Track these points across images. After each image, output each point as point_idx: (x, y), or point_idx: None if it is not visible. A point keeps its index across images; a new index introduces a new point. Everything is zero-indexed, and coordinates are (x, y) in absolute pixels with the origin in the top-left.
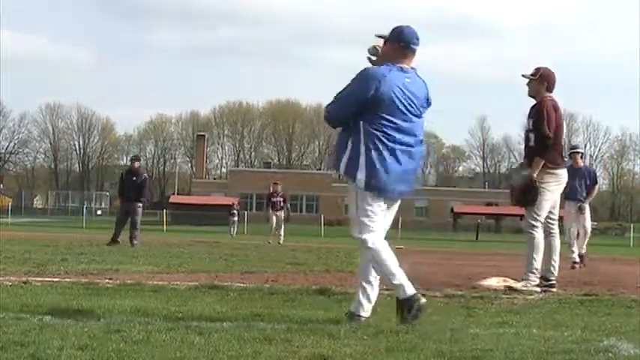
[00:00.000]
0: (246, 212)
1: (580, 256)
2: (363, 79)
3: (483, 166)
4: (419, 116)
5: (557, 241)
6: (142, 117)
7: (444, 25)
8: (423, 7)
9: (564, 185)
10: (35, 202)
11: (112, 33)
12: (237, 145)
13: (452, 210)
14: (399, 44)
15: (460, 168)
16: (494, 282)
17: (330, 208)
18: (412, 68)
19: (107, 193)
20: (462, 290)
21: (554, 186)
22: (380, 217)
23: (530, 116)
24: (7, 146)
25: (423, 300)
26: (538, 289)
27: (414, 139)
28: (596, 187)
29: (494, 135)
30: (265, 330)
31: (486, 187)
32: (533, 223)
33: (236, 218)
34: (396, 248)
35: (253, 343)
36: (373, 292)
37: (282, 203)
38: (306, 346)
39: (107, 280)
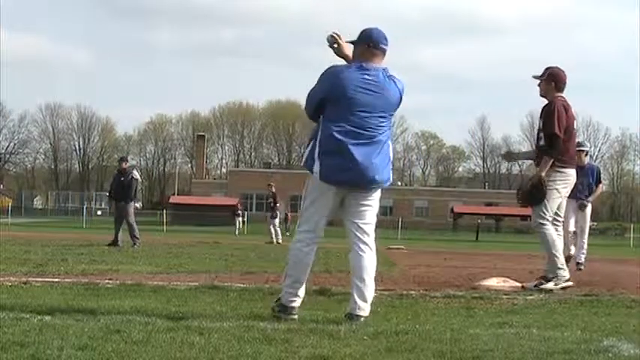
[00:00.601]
0: (246, 212)
1: (567, 257)
2: (323, 78)
3: (483, 166)
4: (378, 114)
5: (561, 242)
6: (142, 117)
7: (444, 24)
8: (422, 7)
9: (572, 185)
10: (35, 203)
11: (112, 33)
12: (237, 145)
13: (452, 210)
14: (367, 45)
15: (460, 168)
16: (495, 282)
17: None
18: (384, 68)
19: (107, 193)
20: (462, 290)
21: (561, 185)
22: (319, 210)
23: (540, 116)
24: (7, 146)
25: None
26: (570, 283)
27: (371, 135)
28: (600, 186)
29: (494, 135)
30: (265, 330)
31: (486, 187)
32: (541, 220)
33: (241, 218)
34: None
35: (253, 343)
36: (367, 290)
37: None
38: (306, 346)
39: (107, 280)
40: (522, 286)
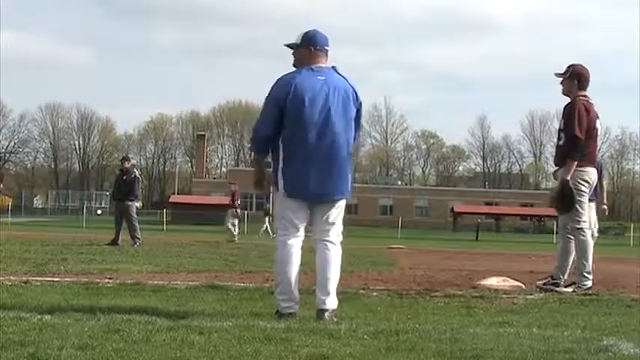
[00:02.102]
0: (246, 212)
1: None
2: (276, 89)
3: (483, 166)
4: (335, 116)
5: (573, 246)
6: (142, 117)
7: (444, 24)
8: (421, 7)
9: (594, 185)
10: (35, 202)
11: (112, 33)
12: (237, 145)
13: (452, 210)
14: (312, 47)
15: (460, 168)
16: (495, 282)
17: None
18: (333, 67)
19: (107, 193)
20: (461, 290)
21: (585, 185)
22: (296, 222)
23: (562, 115)
24: (7, 146)
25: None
26: (591, 292)
27: (332, 139)
28: (605, 183)
29: (494, 135)
30: (265, 330)
31: (486, 187)
32: (578, 225)
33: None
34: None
35: (253, 342)
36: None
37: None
38: (306, 346)
39: (107, 280)
40: (537, 286)
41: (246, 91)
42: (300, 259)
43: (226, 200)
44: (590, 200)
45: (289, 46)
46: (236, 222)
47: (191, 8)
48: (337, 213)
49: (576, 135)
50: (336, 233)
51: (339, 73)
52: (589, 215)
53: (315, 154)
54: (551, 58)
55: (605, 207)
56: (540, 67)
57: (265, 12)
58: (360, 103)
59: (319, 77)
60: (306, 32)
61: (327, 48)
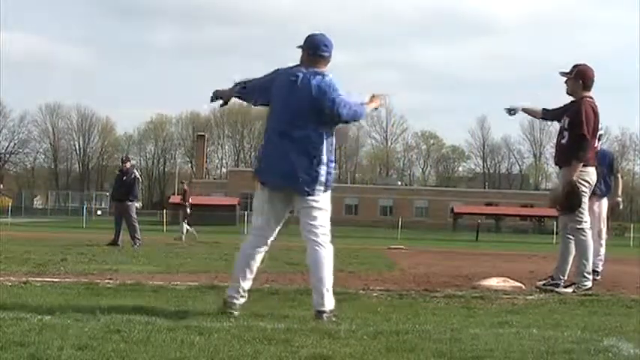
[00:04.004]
0: (245, 212)
1: (594, 270)
2: (269, 73)
3: (483, 166)
4: (301, 115)
5: (573, 246)
6: (142, 117)
7: (444, 24)
8: (421, 7)
9: (594, 184)
10: (35, 202)
11: (112, 33)
12: (237, 145)
13: (452, 210)
14: (308, 51)
15: (460, 168)
16: (495, 282)
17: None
18: (319, 72)
19: (107, 193)
20: (462, 290)
21: (586, 185)
22: (262, 211)
23: (566, 114)
24: (7, 146)
25: (232, 312)
26: (590, 292)
27: (292, 136)
28: (619, 176)
29: (494, 135)
30: (265, 330)
31: (486, 187)
32: (579, 225)
33: None
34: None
35: (253, 343)
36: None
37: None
38: (306, 346)
39: (107, 280)
40: (537, 286)
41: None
42: (254, 256)
43: (226, 201)
44: (600, 196)
45: (300, 46)
46: (185, 221)
47: (191, 8)
48: (316, 212)
49: (585, 136)
50: (322, 233)
51: (313, 76)
52: (599, 212)
53: (275, 145)
54: (551, 58)
55: (619, 199)
56: (540, 67)
57: (265, 12)
58: (329, 107)
59: (291, 78)
60: (308, 35)
61: (321, 53)
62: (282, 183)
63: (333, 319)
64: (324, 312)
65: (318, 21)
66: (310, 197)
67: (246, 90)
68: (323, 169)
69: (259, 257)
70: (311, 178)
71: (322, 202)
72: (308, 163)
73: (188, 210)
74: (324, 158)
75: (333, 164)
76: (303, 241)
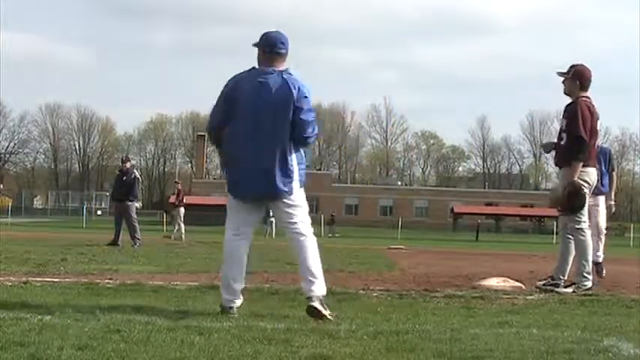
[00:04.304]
0: None
1: (595, 264)
2: (221, 92)
3: (483, 166)
4: (273, 116)
5: (573, 246)
6: (142, 117)
7: (444, 24)
8: (420, 7)
9: (594, 184)
10: (35, 202)
11: (112, 33)
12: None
13: (452, 210)
14: (264, 49)
15: (460, 168)
16: (495, 282)
17: (330, 208)
18: (283, 70)
19: (107, 193)
20: (462, 290)
21: (586, 185)
22: (237, 218)
23: (564, 116)
24: (7, 146)
25: (233, 314)
26: (591, 292)
27: (265, 139)
28: (614, 174)
29: (494, 135)
30: (265, 330)
31: (486, 187)
32: (578, 225)
33: (273, 218)
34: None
35: (253, 343)
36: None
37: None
38: (306, 346)
39: (107, 280)
40: (537, 286)
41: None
42: (240, 257)
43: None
44: (599, 194)
45: (255, 44)
46: (180, 221)
47: (191, 8)
48: (295, 210)
49: (582, 136)
50: (303, 226)
51: (284, 77)
52: (599, 209)
53: (244, 154)
54: (551, 58)
55: (612, 203)
56: (540, 67)
57: (265, 12)
58: (299, 106)
59: (259, 79)
60: (263, 33)
61: (278, 50)
62: (263, 194)
63: (324, 306)
64: (314, 296)
65: (318, 21)
66: (288, 197)
67: (219, 136)
68: (297, 167)
69: (245, 258)
70: (289, 178)
71: (299, 199)
72: (285, 164)
73: (182, 210)
74: (299, 155)
75: (304, 160)
76: (287, 238)
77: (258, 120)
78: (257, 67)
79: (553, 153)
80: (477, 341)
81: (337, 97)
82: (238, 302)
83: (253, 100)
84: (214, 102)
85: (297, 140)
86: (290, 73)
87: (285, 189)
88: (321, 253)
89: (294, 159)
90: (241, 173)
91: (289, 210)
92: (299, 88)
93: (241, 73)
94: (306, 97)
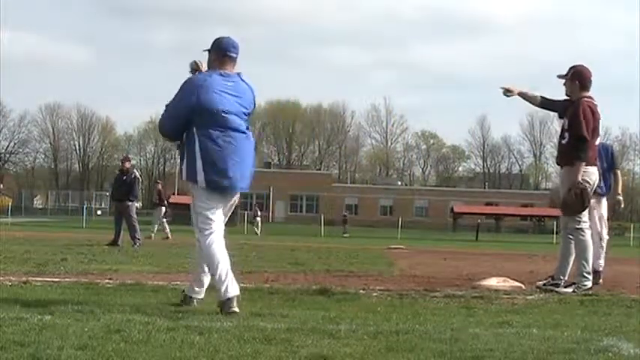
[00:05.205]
0: (245, 212)
1: (595, 271)
2: (185, 88)
3: (483, 166)
4: (242, 116)
5: (573, 246)
6: (141, 117)
7: (443, 24)
8: (420, 7)
9: (596, 184)
10: (35, 202)
11: (112, 33)
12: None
13: (452, 210)
14: (217, 53)
15: (460, 168)
16: (495, 282)
17: (330, 208)
18: (238, 73)
19: (107, 193)
20: (462, 290)
21: (588, 186)
22: (218, 215)
23: (566, 115)
24: (7, 146)
25: (236, 309)
26: (591, 292)
27: (240, 137)
28: (618, 173)
29: (494, 135)
30: (265, 330)
31: (486, 187)
32: (578, 225)
33: (259, 218)
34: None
35: (253, 343)
36: (206, 278)
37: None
38: (306, 346)
39: (107, 280)
40: (537, 286)
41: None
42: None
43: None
44: (600, 195)
45: (207, 50)
46: (164, 220)
47: (190, 8)
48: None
49: (584, 136)
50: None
51: (243, 80)
52: (599, 211)
53: (225, 151)
54: (551, 58)
55: (620, 197)
56: (540, 67)
57: (265, 12)
58: (254, 107)
59: (228, 83)
60: (217, 38)
61: (230, 54)
62: (240, 187)
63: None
64: (232, 299)
65: (318, 21)
66: (236, 195)
67: (176, 138)
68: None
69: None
70: (251, 175)
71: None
72: (251, 162)
73: (164, 209)
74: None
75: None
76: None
77: (236, 118)
78: (220, 71)
79: (555, 152)
80: (477, 341)
81: (337, 97)
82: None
83: (228, 102)
84: (172, 104)
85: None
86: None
87: (248, 185)
88: (319, 253)
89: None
90: (224, 169)
91: (230, 209)
92: (254, 93)
93: (201, 75)
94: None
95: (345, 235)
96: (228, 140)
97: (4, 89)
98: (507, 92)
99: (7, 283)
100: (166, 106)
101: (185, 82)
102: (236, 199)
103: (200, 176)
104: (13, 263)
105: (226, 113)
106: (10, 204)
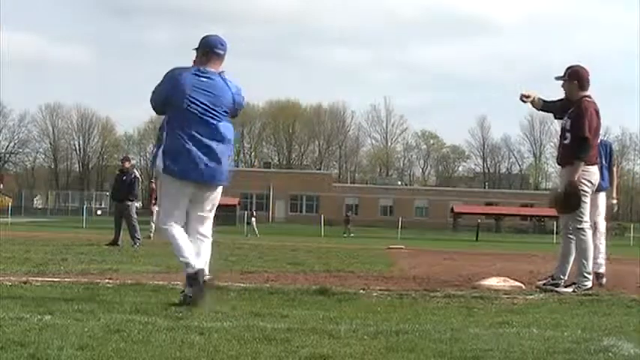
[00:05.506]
0: (245, 212)
1: (596, 274)
2: (164, 79)
3: (483, 166)
4: (213, 112)
5: (574, 246)
6: (142, 117)
7: (443, 24)
8: (421, 7)
9: (596, 183)
10: (35, 202)
11: (112, 33)
12: (236, 146)
13: (452, 210)
14: (203, 51)
15: (460, 168)
16: (495, 282)
17: (330, 208)
18: (220, 72)
19: (107, 193)
20: (462, 290)
21: (589, 185)
22: (180, 203)
23: (568, 116)
24: (7, 146)
25: (208, 276)
26: (590, 292)
27: (210, 133)
28: (615, 170)
29: (494, 135)
30: (265, 330)
31: (486, 187)
32: (579, 225)
33: (254, 219)
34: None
35: (253, 343)
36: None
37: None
38: (306, 346)
39: (107, 280)
40: (537, 286)
41: (247, 92)
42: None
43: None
44: (601, 190)
45: (195, 48)
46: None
47: (191, 8)
48: (215, 201)
49: (587, 137)
50: (209, 223)
51: (223, 78)
52: (598, 205)
53: (197, 143)
54: (551, 58)
55: (615, 202)
56: (540, 67)
57: (264, 12)
58: (239, 103)
59: (202, 79)
60: (204, 36)
61: (217, 51)
62: (213, 179)
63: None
64: (198, 271)
65: (318, 21)
66: (217, 191)
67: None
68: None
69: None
70: (229, 169)
71: (219, 195)
72: (228, 156)
73: (156, 208)
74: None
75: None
76: (191, 229)
77: (211, 113)
78: (199, 67)
79: (555, 153)
80: (477, 341)
81: (337, 97)
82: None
83: (202, 95)
84: (159, 84)
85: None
86: (224, 76)
87: (226, 179)
88: (319, 253)
89: (230, 154)
90: (190, 160)
91: (207, 202)
92: (234, 92)
93: (180, 69)
94: (236, 86)
95: (346, 236)
96: (191, 134)
97: (4, 89)
98: (524, 98)
99: (7, 283)
100: (154, 89)
101: (167, 72)
102: (214, 195)
103: (160, 162)
104: (13, 263)
105: (193, 108)
106: (10, 204)
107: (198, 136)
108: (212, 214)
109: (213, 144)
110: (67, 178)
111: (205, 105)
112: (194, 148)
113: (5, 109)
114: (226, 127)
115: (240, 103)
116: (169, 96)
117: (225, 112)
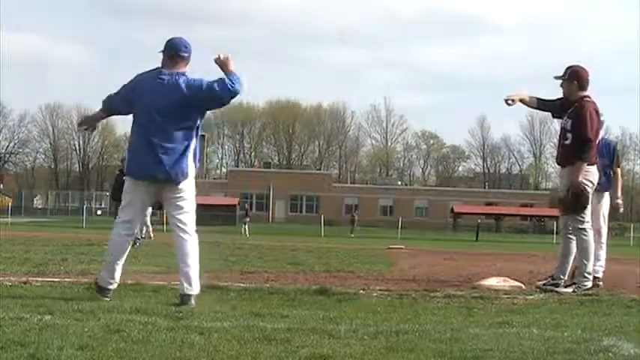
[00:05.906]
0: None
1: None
2: (129, 81)
3: (483, 166)
4: (166, 113)
5: (574, 246)
6: None
7: (443, 24)
8: (421, 6)
9: (596, 183)
10: (35, 202)
11: (111, 33)
12: (237, 145)
13: (452, 210)
14: (169, 54)
15: (460, 168)
16: (495, 282)
17: (330, 208)
18: (180, 72)
19: (107, 193)
20: (462, 290)
21: (589, 186)
22: (133, 201)
23: (569, 116)
24: (7, 146)
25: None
26: (590, 292)
27: (160, 131)
28: (618, 171)
29: (494, 135)
30: (265, 330)
31: (486, 187)
32: (581, 225)
33: (248, 219)
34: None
35: (253, 343)
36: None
37: None
38: (306, 346)
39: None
40: (537, 286)
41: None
42: (125, 242)
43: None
44: (600, 191)
45: (161, 51)
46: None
47: (191, 9)
48: (182, 202)
49: (589, 138)
50: (188, 221)
51: (182, 79)
52: (600, 208)
53: (141, 142)
54: (551, 58)
55: (620, 202)
56: (540, 67)
57: (264, 11)
58: (207, 93)
59: (158, 80)
60: (168, 39)
61: (181, 54)
62: (155, 175)
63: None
64: (191, 295)
65: (318, 21)
66: (178, 187)
67: (110, 105)
68: (189, 161)
69: (128, 246)
70: (180, 170)
71: (188, 191)
72: (177, 157)
73: (150, 209)
74: (191, 151)
75: (197, 156)
76: (173, 229)
77: (159, 115)
78: (161, 69)
79: (555, 152)
80: (477, 341)
81: (337, 97)
82: (114, 286)
83: (152, 98)
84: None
85: (223, 97)
86: (185, 75)
87: (176, 179)
88: (319, 253)
89: (188, 153)
90: (142, 157)
91: (176, 199)
92: (187, 81)
93: (143, 73)
94: (193, 80)
95: (353, 235)
96: (143, 134)
97: (4, 89)
98: (508, 101)
99: (7, 283)
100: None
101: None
102: (172, 195)
103: (126, 164)
104: (13, 263)
105: (148, 109)
106: (10, 204)
107: (145, 135)
108: (183, 214)
109: (155, 140)
110: (67, 178)
111: (153, 105)
112: (140, 147)
113: (5, 109)
114: (174, 126)
115: (211, 89)
116: (129, 98)
117: (174, 110)
